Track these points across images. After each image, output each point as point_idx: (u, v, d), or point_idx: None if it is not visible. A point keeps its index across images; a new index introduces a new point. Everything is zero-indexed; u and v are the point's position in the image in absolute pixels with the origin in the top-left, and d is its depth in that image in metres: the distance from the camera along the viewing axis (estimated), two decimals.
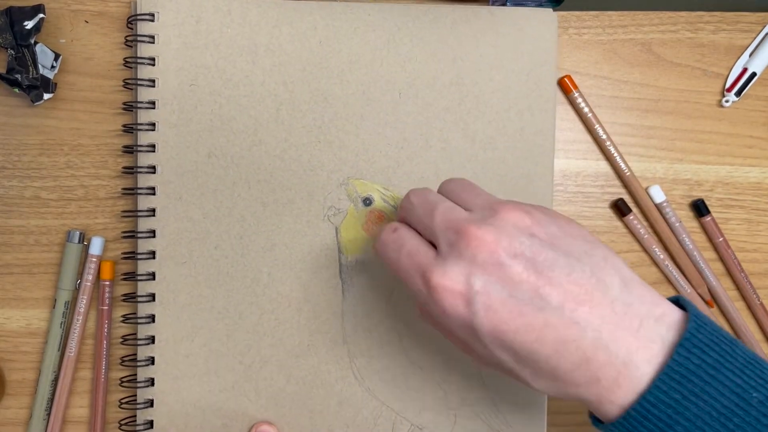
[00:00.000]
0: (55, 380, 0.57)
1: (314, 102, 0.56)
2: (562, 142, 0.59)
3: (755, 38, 0.60)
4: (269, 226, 0.56)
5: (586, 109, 0.59)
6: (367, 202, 0.56)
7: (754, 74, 0.59)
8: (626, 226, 0.59)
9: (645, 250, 0.60)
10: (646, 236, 0.59)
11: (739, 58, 0.60)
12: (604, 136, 0.59)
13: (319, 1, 0.57)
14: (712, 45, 0.60)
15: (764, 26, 0.60)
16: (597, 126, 0.59)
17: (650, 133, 0.60)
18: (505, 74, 0.57)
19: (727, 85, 0.59)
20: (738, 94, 0.59)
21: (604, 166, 0.60)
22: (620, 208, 0.59)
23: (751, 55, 0.60)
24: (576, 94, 0.59)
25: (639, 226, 0.59)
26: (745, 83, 0.59)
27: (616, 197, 0.59)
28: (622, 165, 0.59)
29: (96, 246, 0.57)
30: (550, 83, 0.57)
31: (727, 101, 0.59)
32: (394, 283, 0.57)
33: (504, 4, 0.57)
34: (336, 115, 0.56)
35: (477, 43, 0.57)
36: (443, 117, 0.57)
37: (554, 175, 0.59)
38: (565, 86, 0.59)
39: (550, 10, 0.57)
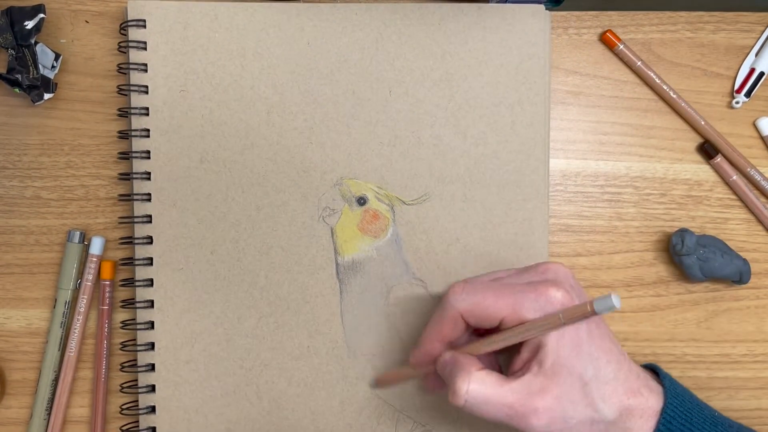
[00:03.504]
0: (56, 380, 0.57)
1: (304, 103, 0.56)
2: (562, 141, 0.59)
3: (759, 38, 0.60)
4: (264, 229, 0.56)
5: (635, 60, 0.59)
6: (362, 201, 0.56)
7: (762, 74, 0.59)
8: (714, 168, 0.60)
9: (735, 193, 0.60)
10: (734, 178, 0.59)
11: (741, 57, 0.59)
12: (661, 82, 0.59)
13: (306, 2, 0.57)
14: (712, 45, 0.60)
15: (765, 26, 0.60)
16: (651, 73, 0.59)
17: (650, 133, 0.59)
18: (495, 69, 0.57)
19: (736, 86, 0.59)
20: (748, 94, 0.59)
21: (603, 165, 0.60)
22: (707, 151, 0.59)
23: (757, 54, 0.59)
24: (621, 47, 0.59)
25: (728, 167, 0.59)
26: (754, 83, 0.59)
27: (615, 197, 0.59)
28: (695, 114, 0.59)
29: (96, 246, 0.57)
30: (540, 76, 0.57)
31: (737, 102, 0.59)
32: (391, 281, 0.57)
33: (503, 2, 0.57)
34: (327, 115, 0.56)
35: (465, 38, 0.57)
36: (434, 113, 0.57)
37: (554, 176, 0.59)
38: (608, 41, 0.59)
39: (540, 5, 0.57)
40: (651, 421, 0.48)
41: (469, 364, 0.47)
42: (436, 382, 0.52)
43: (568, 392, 0.46)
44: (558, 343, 0.46)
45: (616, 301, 0.42)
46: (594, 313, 0.43)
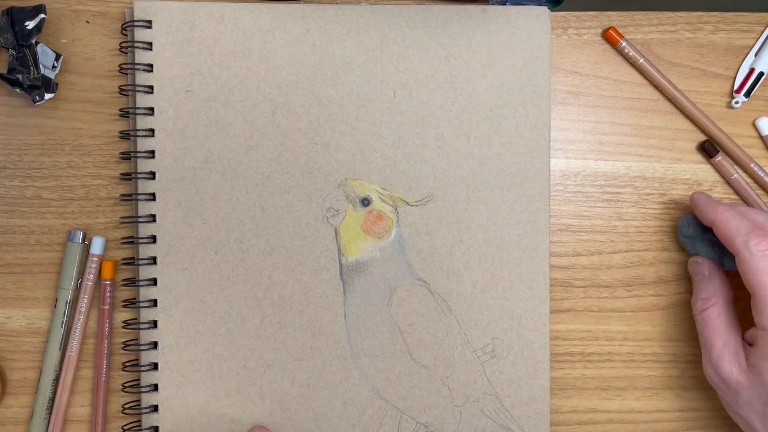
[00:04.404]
0: (57, 379, 0.57)
1: (309, 105, 0.56)
2: (562, 141, 0.60)
3: (759, 38, 0.60)
4: (268, 229, 0.56)
5: (637, 57, 0.59)
6: (366, 202, 0.56)
7: (761, 74, 0.59)
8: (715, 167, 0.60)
9: (736, 192, 0.60)
10: (735, 176, 0.59)
11: (740, 58, 0.60)
12: (663, 79, 0.59)
13: (312, 4, 0.57)
14: (711, 45, 0.60)
15: (765, 26, 0.60)
16: (653, 70, 0.59)
17: (650, 133, 0.60)
18: (499, 71, 0.57)
19: (736, 87, 0.59)
20: (747, 94, 0.59)
21: (603, 165, 0.60)
22: (708, 150, 0.59)
23: (756, 54, 0.59)
24: (624, 44, 0.59)
25: (729, 165, 0.60)
26: (753, 83, 0.59)
27: (615, 197, 0.59)
28: (696, 112, 0.59)
29: (97, 245, 0.57)
30: (543, 78, 0.57)
31: (737, 102, 0.59)
32: (394, 282, 0.57)
33: (503, 4, 0.57)
34: (331, 116, 0.56)
35: (469, 41, 0.57)
36: (438, 115, 0.57)
37: (554, 175, 0.59)
38: (611, 39, 0.59)
39: (543, 7, 0.57)
40: None
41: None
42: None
43: None
44: None
45: None
46: None
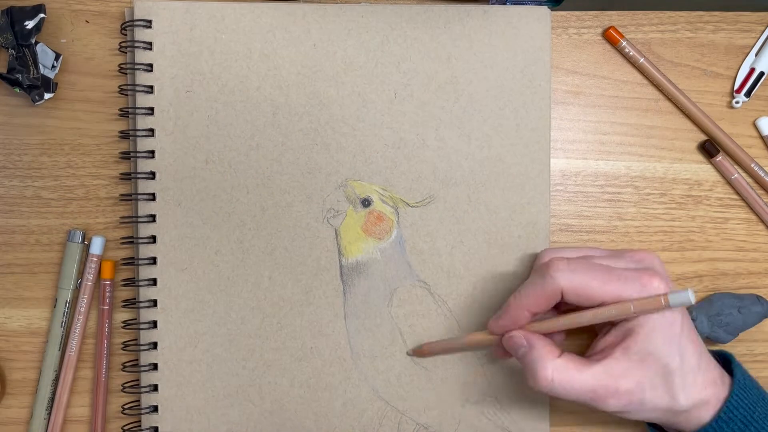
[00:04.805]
0: (56, 379, 0.57)
1: (310, 105, 0.56)
2: (562, 141, 0.59)
3: (759, 38, 0.60)
4: (269, 230, 0.56)
5: (638, 56, 0.59)
6: (366, 203, 0.56)
7: (762, 74, 0.59)
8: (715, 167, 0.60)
9: (736, 192, 0.60)
10: (735, 176, 0.59)
11: (741, 57, 0.60)
12: (663, 78, 0.59)
13: (313, 3, 0.57)
14: (712, 45, 0.60)
15: (765, 26, 0.60)
16: (654, 70, 0.59)
17: (650, 132, 0.60)
18: (500, 72, 0.57)
19: (736, 86, 0.59)
20: (748, 94, 0.59)
21: (603, 165, 0.60)
22: (708, 150, 0.59)
23: (757, 54, 0.59)
24: (624, 43, 0.59)
25: (729, 165, 0.59)
26: (754, 83, 0.59)
27: (615, 197, 0.59)
28: (697, 112, 0.59)
29: (96, 245, 0.57)
30: (544, 78, 0.57)
31: (737, 102, 0.59)
32: (394, 283, 0.57)
33: (504, 3, 0.57)
34: (332, 117, 0.56)
35: (471, 41, 0.57)
36: (439, 116, 0.57)
37: (554, 175, 0.59)
38: (611, 38, 0.59)
39: (544, 7, 0.57)
40: (714, 409, 0.50)
41: (548, 351, 0.49)
42: (503, 352, 0.53)
43: (652, 379, 0.48)
44: (651, 330, 0.47)
45: (691, 296, 0.45)
46: (668, 305, 0.46)
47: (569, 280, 0.48)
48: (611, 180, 0.60)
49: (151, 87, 0.55)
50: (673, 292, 0.46)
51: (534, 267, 0.54)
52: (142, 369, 0.56)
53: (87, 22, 0.58)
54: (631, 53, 0.59)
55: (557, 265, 0.48)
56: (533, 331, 0.50)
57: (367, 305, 0.57)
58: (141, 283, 0.56)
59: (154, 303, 0.56)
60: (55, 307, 0.57)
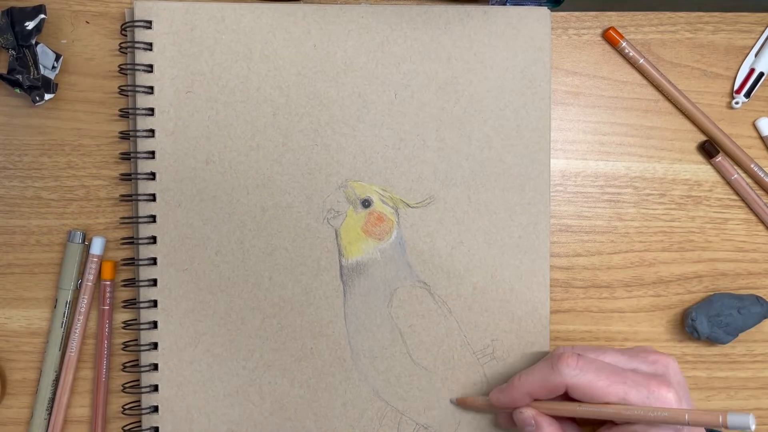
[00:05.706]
0: (56, 380, 0.57)
1: (310, 105, 0.56)
2: (562, 142, 0.60)
3: (759, 38, 0.60)
4: (269, 230, 0.56)
5: (637, 57, 0.59)
6: (366, 203, 0.56)
7: (762, 74, 0.59)
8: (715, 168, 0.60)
9: (736, 192, 0.60)
10: (735, 176, 0.59)
11: (740, 58, 0.60)
12: (663, 79, 0.59)
13: (313, 4, 0.57)
14: (712, 45, 0.60)
15: (765, 26, 0.60)
16: (653, 70, 0.59)
17: (650, 133, 0.60)
18: (500, 72, 0.57)
19: (736, 87, 0.59)
20: (747, 95, 0.59)
21: (603, 166, 0.60)
22: (708, 150, 0.59)
23: (756, 55, 0.59)
24: (624, 44, 0.59)
25: (729, 165, 0.59)
26: (753, 84, 0.59)
27: (615, 197, 0.59)
28: (697, 112, 0.59)
29: (97, 246, 0.57)
30: (544, 80, 0.57)
31: (737, 103, 0.59)
32: (395, 283, 0.57)
33: (504, 4, 0.57)
34: (332, 117, 0.56)
35: (471, 42, 0.57)
36: (439, 117, 0.57)
37: (554, 176, 0.59)
38: (611, 39, 0.59)
39: (544, 8, 0.57)
40: None
41: None
42: (511, 422, 0.54)
43: None
44: None
45: (752, 422, 0.42)
46: (725, 427, 0.43)
47: (575, 378, 0.48)
48: (611, 180, 0.60)
49: (152, 88, 0.55)
50: (733, 414, 0.43)
51: (547, 356, 0.54)
52: (143, 369, 0.56)
53: (87, 22, 0.58)
54: (630, 54, 0.59)
55: (567, 360, 0.49)
56: (545, 410, 0.51)
57: (367, 306, 0.57)
58: (141, 283, 0.56)
59: (155, 303, 0.56)
60: (55, 307, 0.57)
